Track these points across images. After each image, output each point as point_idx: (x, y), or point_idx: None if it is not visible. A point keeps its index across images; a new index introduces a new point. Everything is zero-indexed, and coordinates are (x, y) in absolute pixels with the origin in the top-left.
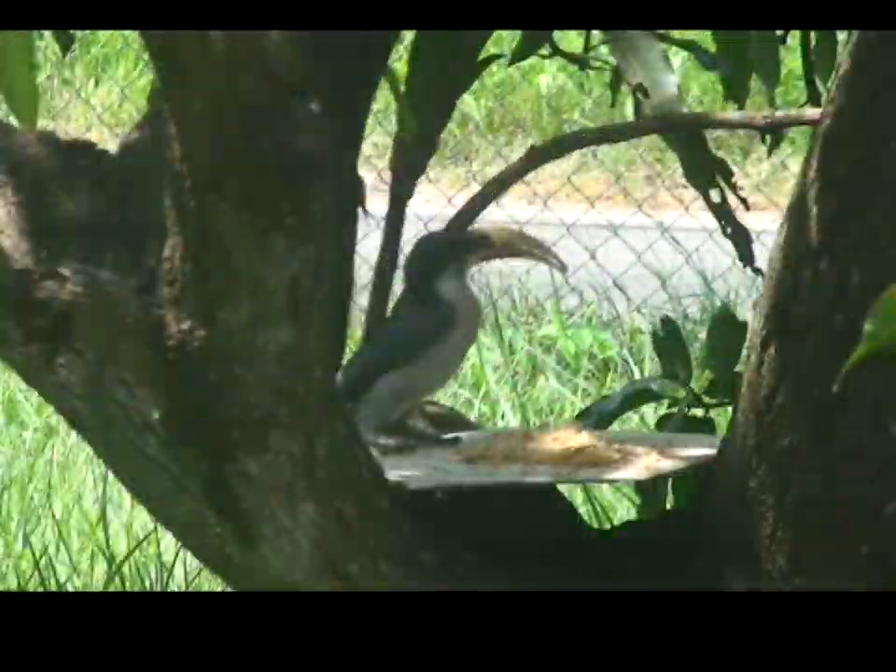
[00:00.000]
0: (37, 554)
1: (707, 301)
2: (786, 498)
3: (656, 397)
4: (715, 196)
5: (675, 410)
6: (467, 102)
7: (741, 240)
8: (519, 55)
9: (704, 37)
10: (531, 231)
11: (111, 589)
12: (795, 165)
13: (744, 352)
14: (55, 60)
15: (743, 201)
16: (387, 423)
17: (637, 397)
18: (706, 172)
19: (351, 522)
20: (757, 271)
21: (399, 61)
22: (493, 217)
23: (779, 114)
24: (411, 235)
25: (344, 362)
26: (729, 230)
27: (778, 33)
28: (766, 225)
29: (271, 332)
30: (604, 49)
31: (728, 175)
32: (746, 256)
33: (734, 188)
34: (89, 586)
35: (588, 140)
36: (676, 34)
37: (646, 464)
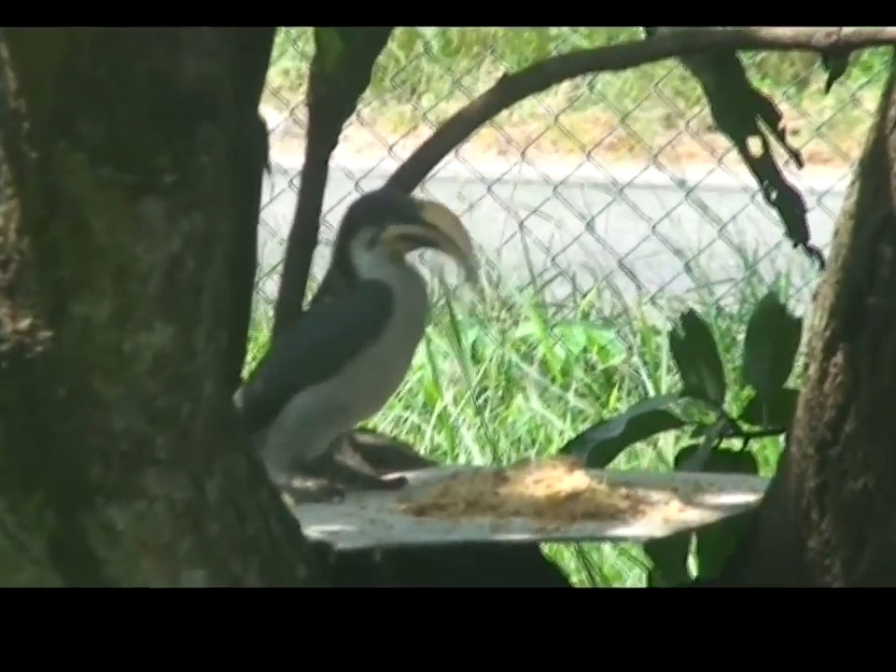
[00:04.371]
0: None
1: (749, 290)
2: (860, 563)
3: (676, 422)
4: (755, 146)
5: (702, 439)
6: None
7: (791, 208)
8: None
9: None
10: (505, 192)
11: None
12: (871, 101)
13: (799, 360)
14: None
15: (795, 155)
16: (306, 458)
17: (649, 421)
18: (743, 112)
19: None
20: (812, 251)
21: None
22: (452, 171)
23: (848, 30)
24: (337, 198)
25: (246, 374)
26: (774, 194)
27: None
28: (830, 183)
29: (143, 333)
30: None
31: (774, 116)
32: (797, 230)
33: (781, 134)
34: None
35: (582, 66)
36: None
37: (664, 516)
